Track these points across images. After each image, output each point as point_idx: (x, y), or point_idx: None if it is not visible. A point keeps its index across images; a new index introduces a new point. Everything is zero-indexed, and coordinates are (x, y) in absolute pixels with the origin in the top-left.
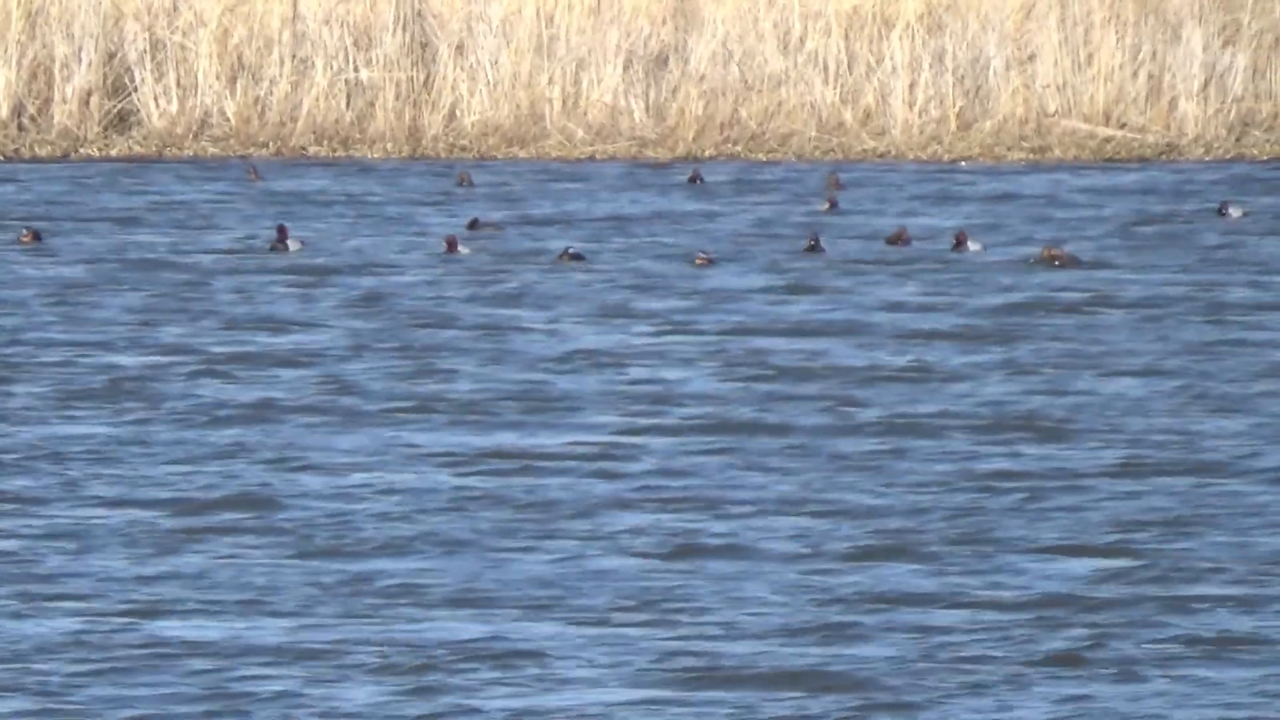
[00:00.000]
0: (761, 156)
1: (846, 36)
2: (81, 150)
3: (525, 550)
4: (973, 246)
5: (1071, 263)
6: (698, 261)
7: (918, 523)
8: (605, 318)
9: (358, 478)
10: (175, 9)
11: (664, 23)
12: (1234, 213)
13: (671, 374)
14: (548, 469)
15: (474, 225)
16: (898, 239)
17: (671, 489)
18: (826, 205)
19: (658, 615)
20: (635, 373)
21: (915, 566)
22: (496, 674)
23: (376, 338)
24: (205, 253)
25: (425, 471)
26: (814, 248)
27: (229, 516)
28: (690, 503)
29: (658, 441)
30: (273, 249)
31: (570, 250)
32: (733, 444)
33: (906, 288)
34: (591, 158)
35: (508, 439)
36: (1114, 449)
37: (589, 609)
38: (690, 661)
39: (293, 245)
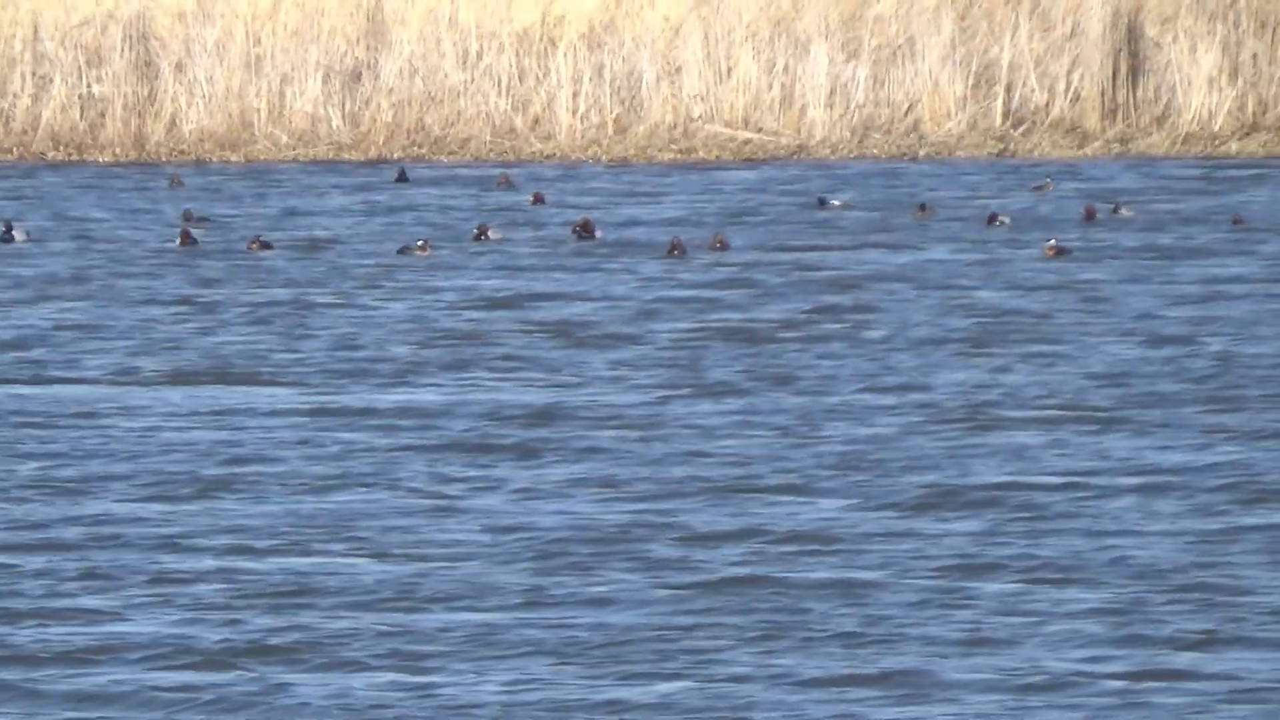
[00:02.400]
0: (444, 158)
1: (518, 53)
2: None
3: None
4: (599, 234)
5: (688, 249)
6: (422, 251)
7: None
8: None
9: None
10: None
11: (358, 42)
12: (835, 203)
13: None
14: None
15: (187, 218)
16: (584, 228)
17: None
18: (533, 199)
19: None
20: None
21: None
22: None
23: (94, 319)
24: None
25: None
26: (481, 236)
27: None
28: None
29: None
30: (3, 240)
31: (259, 239)
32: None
33: (564, 267)
34: (295, 160)
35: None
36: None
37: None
38: None
39: (19, 236)
